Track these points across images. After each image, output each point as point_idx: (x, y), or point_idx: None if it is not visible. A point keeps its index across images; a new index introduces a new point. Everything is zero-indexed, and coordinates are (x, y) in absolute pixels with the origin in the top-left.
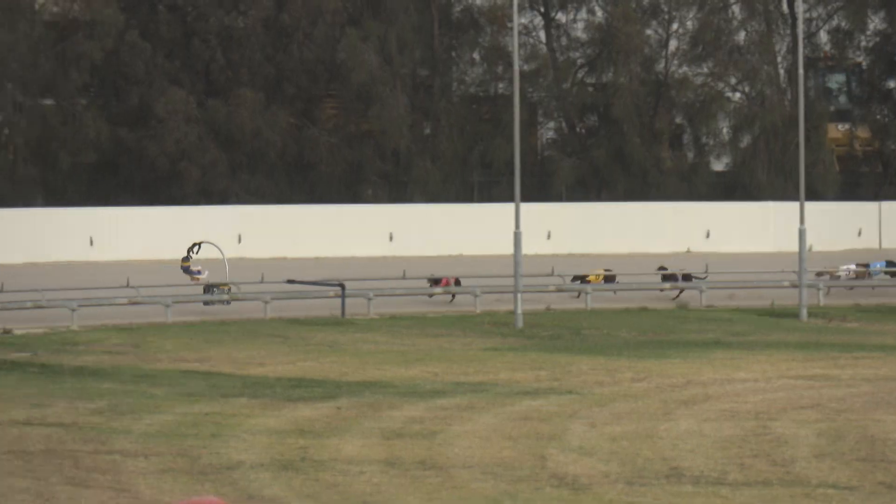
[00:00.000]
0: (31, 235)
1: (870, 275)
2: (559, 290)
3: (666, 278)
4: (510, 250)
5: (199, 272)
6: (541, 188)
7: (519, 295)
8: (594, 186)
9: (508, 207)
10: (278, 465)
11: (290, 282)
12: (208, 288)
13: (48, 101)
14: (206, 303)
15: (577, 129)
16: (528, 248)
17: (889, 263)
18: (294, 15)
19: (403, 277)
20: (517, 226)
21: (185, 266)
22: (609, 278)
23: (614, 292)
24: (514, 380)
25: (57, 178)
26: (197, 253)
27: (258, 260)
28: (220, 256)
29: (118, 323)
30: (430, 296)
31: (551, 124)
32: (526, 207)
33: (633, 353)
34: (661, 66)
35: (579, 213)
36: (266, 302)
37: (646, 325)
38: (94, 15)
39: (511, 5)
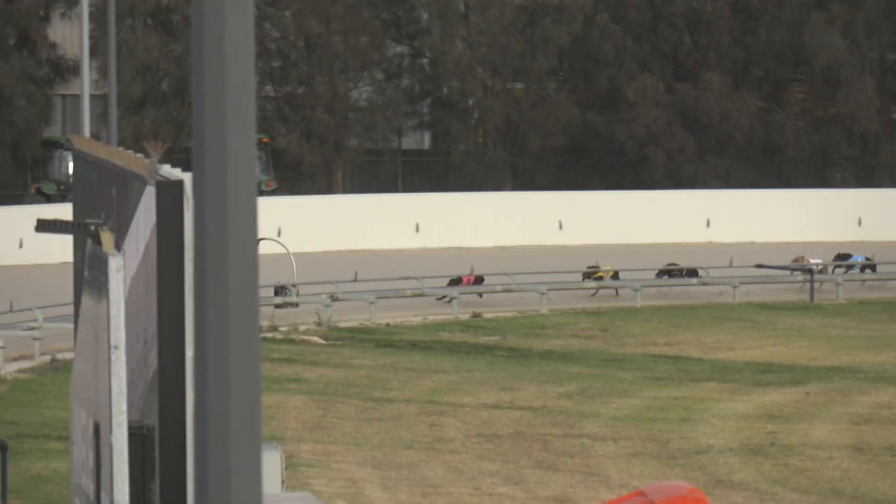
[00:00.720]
0: (498, 219)
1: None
2: None
3: None
4: None
5: None
6: None
7: None
8: None
9: None
10: (747, 450)
11: (760, 266)
12: (279, 289)
13: (518, 85)
14: (277, 306)
15: None
16: None
17: None
18: None
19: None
20: None
21: None
22: (615, 275)
23: None
24: None
25: (526, 161)
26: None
27: (726, 244)
28: (286, 253)
29: (586, 307)
30: (442, 298)
31: None
32: None
33: None
34: None
35: None
36: (735, 286)
37: None
38: None
39: None
